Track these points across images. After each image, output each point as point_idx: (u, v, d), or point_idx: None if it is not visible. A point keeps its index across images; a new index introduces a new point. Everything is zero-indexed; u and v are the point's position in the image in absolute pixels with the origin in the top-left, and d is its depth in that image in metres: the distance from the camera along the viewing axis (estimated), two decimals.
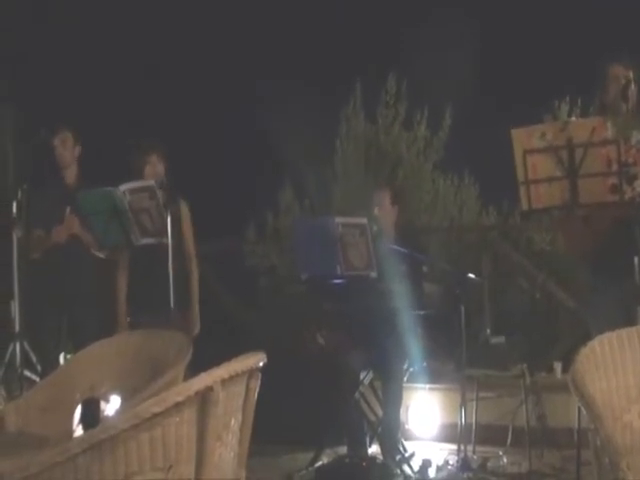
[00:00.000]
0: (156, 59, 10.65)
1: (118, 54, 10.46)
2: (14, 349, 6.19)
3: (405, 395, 5.89)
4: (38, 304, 6.07)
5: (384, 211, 5.88)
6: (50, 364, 5.70)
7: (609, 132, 4.22)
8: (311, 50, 10.53)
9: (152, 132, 6.47)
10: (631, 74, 4.70)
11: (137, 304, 5.70)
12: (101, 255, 5.90)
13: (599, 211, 4.49)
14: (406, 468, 5.51)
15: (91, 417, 3.48)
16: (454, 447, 5.82)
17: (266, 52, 10.73)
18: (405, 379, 5.81)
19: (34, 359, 6.32)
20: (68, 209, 5.78)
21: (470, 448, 5.69)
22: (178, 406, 2.65)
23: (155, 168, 5.71)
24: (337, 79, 9.66)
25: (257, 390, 3.03)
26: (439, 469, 5.60)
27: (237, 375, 2.86)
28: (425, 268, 5.93)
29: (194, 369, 3.21)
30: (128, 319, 5.74)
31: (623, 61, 4.77)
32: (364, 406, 5.77)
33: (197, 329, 5.72)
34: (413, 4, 10.72)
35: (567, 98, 8.35)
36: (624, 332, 3.67)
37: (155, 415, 2.61)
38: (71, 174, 6.05)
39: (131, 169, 5.72)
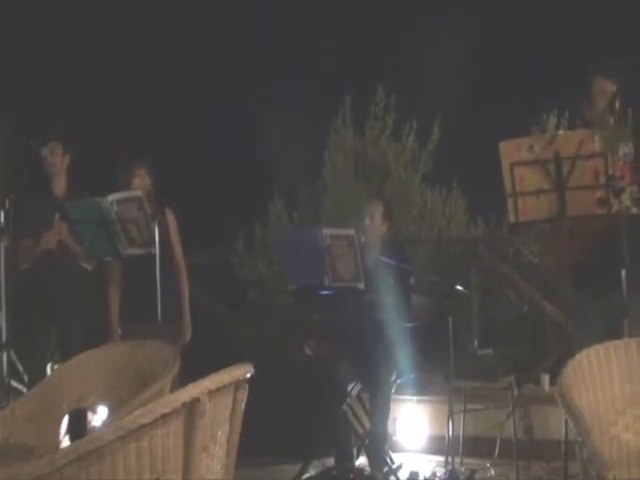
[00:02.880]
0: (147, 69, 10.65)
1: (108, 63, 10.46)
2: (1, 359, 6.16)
3: (393, 407, 5.89)
4: (26, 314, 6.04)
5: (375, 223, 5.89)
6: (37, 374, 5.68)
7: (597, 145, 4.24)
8: (300, 62, 10.56)
9: (142, 144, 6.47)
10: (615, 88, 4.73)
11: (128, 314, 5.71)
12: (88, 267, 5.89)
13: (585, 224, 4.51)
14: None
15: (78, 428, 3.46)
16: (442, 459, 5.83)
17: (256, 64, 10.75)
18: (393, 391, 5.81)
19: (21, 369, 6.29)
20: (57, 215, 5.77)
21: (458, 460, 5.69)
22: (165, 417, 2.64)
23: (143, 181, 5.78)
24: (326, 91, 9.68)
25: (244, 401, 3.03)
26: None
27: (224, 386, 2.85)
28: (413, 280, 5.94)
29: (182, 380, 3.20)
30: (119, 330, 5.76)
31: (608, 75, 4.80)
32: (352, 418, 5.76)
33: (189, 337, 5.76)
34: (402, 17, 10.77)
35: (555, 110, 8.38)
36: (611, 345, 3.69)
37: (142, 426, 2.60)
38: (60, 184, 6.04)
39: (119, 181, 5.74)
